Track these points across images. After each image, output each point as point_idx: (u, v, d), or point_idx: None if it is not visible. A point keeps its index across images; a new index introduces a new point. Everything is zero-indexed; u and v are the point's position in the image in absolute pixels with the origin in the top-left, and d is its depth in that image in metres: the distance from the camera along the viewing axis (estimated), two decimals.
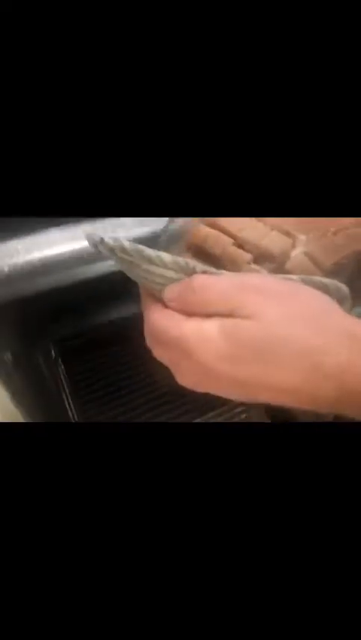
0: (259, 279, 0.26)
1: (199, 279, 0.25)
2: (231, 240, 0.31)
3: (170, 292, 0.26)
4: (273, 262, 0.30)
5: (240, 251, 0.31)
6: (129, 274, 0.28)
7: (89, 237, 0.29)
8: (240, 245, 0.31)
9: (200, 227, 0.33)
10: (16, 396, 0.52)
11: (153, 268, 0.26)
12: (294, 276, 0.27)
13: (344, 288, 0.27)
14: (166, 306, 0.26)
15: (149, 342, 0.26)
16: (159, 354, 0.26)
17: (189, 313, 0.25)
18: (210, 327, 0.23)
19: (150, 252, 0.26)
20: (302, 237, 0.30)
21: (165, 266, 0.26)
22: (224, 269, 0.29)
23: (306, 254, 0.30)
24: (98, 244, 0.28)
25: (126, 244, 0.26)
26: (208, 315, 0.24)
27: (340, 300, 0.26)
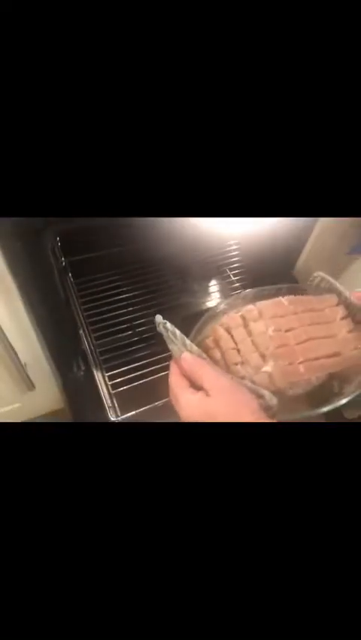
0: (219, 375, 0.42)
1: (189, 358, 0.43)
2: (232, 345, 0.48)
3: (183, 360, 0.43)
4: (249, 369, 0.46)
5: (234, 353, 0.47)
6: (170, 346, 0.46)
7: (157, 319, 0.47)
8: (237, 349, 0.48)
9: (218, 328, 0.49)
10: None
11: (181, 347, 0.45)
12: (248, 382, 0.43)
13: (275, 399, 0.41)
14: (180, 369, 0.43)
15: (170, 390, 0.43)
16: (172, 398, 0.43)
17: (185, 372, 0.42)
18: (190, 397, 0.40)
19: (183, 337, 0.45)
20: (271, 363, 0.46)
21: (185, 347, 0.45)
22: (222, 360, 0.47)
23: (268, 373, 0.46)
24: (160, 324, 0.46)
25: (176, 331, 0.45)
26: (192, 386, 0.41)
27: (269, 406, 0.41)
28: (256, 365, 0.45)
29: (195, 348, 0.44)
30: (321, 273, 0.54)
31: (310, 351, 0.46)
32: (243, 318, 0.48)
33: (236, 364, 0.46)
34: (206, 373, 0.41)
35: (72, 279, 0.84)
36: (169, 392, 0.42)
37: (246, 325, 0.48)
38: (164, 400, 0.73)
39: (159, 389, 0.73)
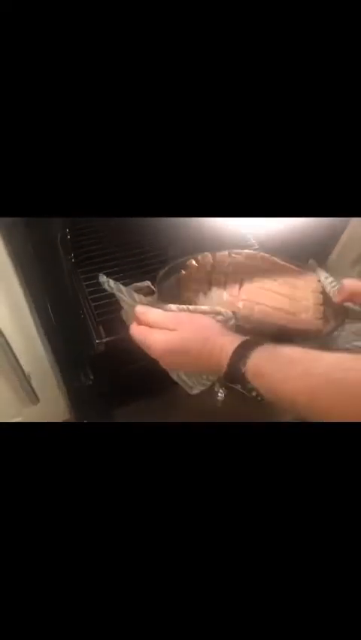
0: (175, 312, 0.47)
1: (141, 308, 0.47)
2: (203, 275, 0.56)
3: (137, 313, 0.46)
4: (213, 297, 0.54)
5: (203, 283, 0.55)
6: (121, 303, 0.51)
7: (101, 278, 0.50)
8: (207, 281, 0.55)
9: (192, 260, 0.56)
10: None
11: (130, 300, 0.49)
12: (205, 307, 0.48)
13: (230, 312, 0.48)
14: (139, 323, 0.46)
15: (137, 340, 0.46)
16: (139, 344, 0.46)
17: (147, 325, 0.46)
18: (157, 335, 0.44)
19: (129, 290, 0.49)
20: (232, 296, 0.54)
21: (134, 299, 0.49)
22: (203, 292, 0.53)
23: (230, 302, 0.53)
24: (105, 283, 0.50)
25: (121, 286, 0.49)
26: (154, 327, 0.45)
27: (228, 318, 0.47)
28: (219, 296, 0.53)
29: (143, 297, 0.49)
30: (313, 260, 0.62)
31: (266, 298, 0.54)
32: (214, 258, 0.57)
33: (199, 292, 0.53)
34: (163, 314, 0.45)
35: (82, 277, 0.76)
36: (136, 341, 0.46)
37: (214, 266, 0.56)
38: None
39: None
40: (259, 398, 0.40)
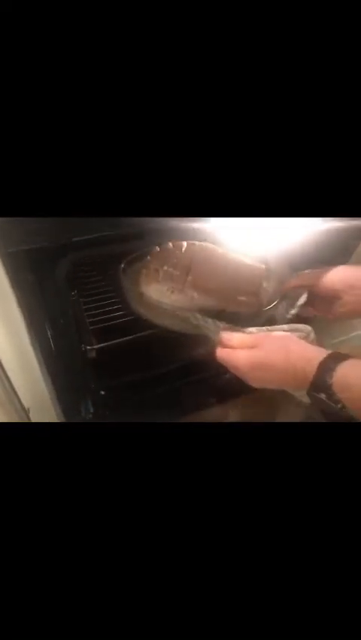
0: (257, 332, 0.51)
1: (226, 334, 0.51)
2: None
3: (223, 337, 0.51)
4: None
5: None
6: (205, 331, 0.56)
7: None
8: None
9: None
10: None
11: (213, 328, 0.55)
12: (284, 326, 0.53)
13: (308, 326, 0.51)
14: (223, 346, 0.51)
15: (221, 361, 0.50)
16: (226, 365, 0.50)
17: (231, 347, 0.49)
18: (243, 353, 0.48)
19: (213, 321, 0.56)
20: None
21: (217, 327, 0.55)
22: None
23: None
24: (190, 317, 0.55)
25: (207, 318, 0.56)
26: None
27: (308, 333, 0.51)
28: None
29: (224, 324, 0.54)
30: None
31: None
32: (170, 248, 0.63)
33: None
34: (246, 336, 0.50)
35: (84, 309, 0.75)
36: (223, 363, 0.49)
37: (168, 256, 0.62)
38: None
39: None
40: (344, 410, 0.40)
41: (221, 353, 0.49)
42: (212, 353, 0.51)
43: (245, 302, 0.64)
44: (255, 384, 0.48)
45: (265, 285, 0.64)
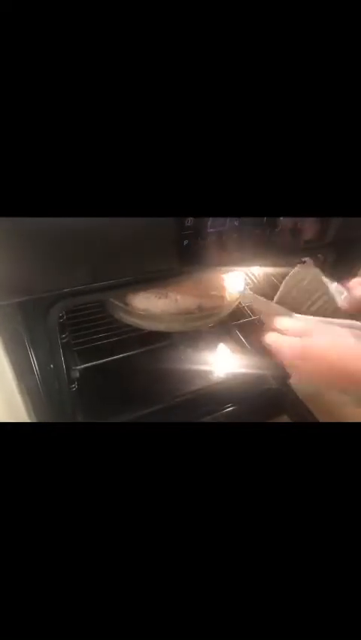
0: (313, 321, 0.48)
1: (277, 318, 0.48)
2: None
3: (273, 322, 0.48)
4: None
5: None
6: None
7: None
8: None
9: None
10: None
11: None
12: (340, 321, 0.48)
13: (357, 323, 0.47)
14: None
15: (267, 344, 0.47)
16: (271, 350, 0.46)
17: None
18: (292, 340, 0.44)
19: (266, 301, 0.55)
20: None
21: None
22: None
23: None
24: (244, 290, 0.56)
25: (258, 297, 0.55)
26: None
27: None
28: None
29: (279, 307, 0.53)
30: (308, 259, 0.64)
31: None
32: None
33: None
34: (299, 323, 0.46)
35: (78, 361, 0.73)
36: (268, 347, 0.46)
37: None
38: None
39: None
40: None
41: (269, 337, 0.45)
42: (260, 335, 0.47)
43: (216, 296, 0.71)
44: (297, 377, 0.47)
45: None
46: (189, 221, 0.40)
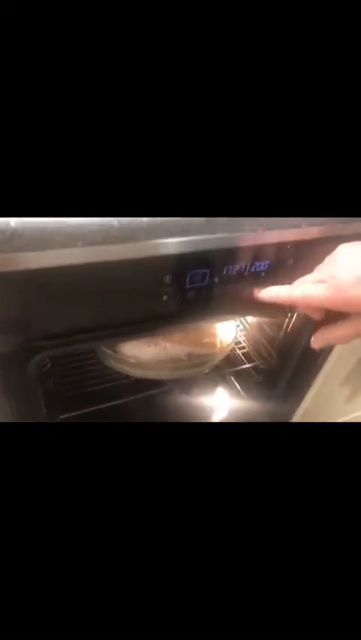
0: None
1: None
2: None
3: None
4: None
5: None
6: None
7: None
8: None
9: None
10: None
11: None
12: None
13: None
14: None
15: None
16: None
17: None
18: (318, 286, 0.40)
19: None
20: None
21: None
22: None
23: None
24: None
25: None
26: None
27: None
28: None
29: None
30: None
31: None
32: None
33: None
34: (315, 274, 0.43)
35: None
36: (299, 301, 0.42)
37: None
38: None
39: None
40: None
41: (294, 290, 0.42)
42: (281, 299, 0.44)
43: (208, 343, 0.71)
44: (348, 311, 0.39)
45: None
46: (167, 278, 0.41)
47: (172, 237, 0.37)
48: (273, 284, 0.47)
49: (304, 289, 0.41)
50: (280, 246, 0.44)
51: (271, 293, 0.45)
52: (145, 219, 0.35)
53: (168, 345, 0.66)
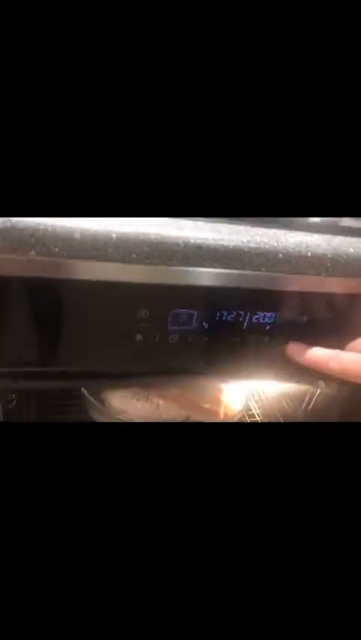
0: None
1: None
2: None
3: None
4: None
5: None
6: None
7: None
8: None
9: None
10: None
11: None
12: None
13: None
14: None
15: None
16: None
17: None
18: None
19: None
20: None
21: None
22: None
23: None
24: None
25: None
26: None
27: None
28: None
29: None
30: None
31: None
32: None
33: None
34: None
35: None
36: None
37: None
38: None
39: None
40: None
41: (346, 357, 0.37)
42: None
43: (209, 410, 0.61)
44: None
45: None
46: (145, 312, 0.34)
47: (151, 263, 0.31)
48: (280, 343, 0.39)
49: None
50: (290, 295, 0.36)
51: (310, 355, 0.38)
52: (115, 233, 0.29)
53: (160, 402, 0.57)
